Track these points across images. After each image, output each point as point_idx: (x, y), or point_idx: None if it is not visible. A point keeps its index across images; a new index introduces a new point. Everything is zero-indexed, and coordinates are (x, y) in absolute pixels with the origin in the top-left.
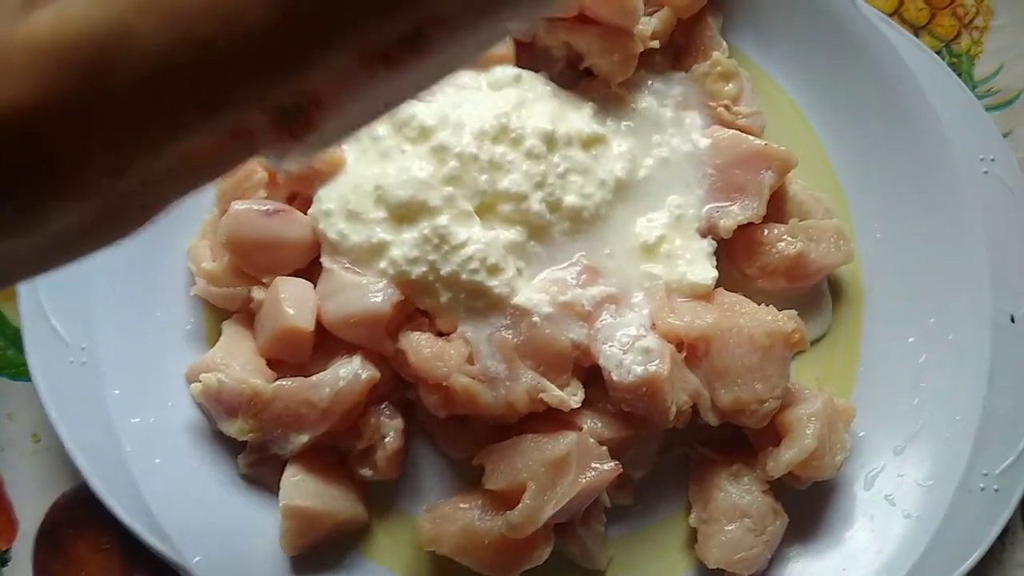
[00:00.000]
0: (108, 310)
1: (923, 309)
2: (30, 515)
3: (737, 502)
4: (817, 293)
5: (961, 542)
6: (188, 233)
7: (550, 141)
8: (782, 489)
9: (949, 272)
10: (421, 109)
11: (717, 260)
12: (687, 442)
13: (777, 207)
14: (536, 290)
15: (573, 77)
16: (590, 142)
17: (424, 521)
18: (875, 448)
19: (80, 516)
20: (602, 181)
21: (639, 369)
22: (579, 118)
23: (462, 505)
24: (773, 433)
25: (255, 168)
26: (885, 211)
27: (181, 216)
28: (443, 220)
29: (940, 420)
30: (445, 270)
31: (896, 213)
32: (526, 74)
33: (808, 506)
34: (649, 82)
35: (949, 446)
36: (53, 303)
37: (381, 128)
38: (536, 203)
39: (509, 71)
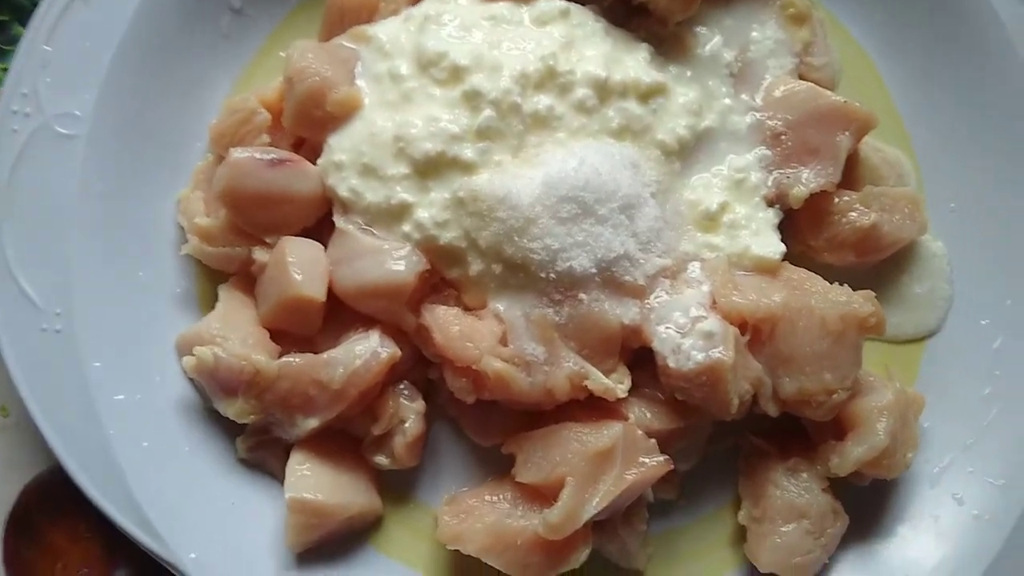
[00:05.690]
0: (86, 270)
1: (999, 289)
2: None
3: (795, 501)
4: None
5: None
6: (178, 182)
7: (603, 90)
8: (839, 485)
9: None
10: (453, 46)
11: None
12: (737, 431)
13: (848, 172)
14: None
15: (624, 13)
16: (649, 93)
17: (445, 514)
18: (941, 441)
19: (56, 501)
20: (662, 144)
21: (700, 356)
22: (635, 63)
23: (488, 498)
24: (836, 425)
25: (256, 108)
26: (961, 179)
27: (169, 162)
28: (481, 180)
29: (1016, 412)
30: (484, 237)
31: (974, 182)
32: (575, 8)
33: (867, 504)
34: (711, 23)
35: None
36: (22, 261)
37: (404, 66)
38: None
39: (555, 3)
